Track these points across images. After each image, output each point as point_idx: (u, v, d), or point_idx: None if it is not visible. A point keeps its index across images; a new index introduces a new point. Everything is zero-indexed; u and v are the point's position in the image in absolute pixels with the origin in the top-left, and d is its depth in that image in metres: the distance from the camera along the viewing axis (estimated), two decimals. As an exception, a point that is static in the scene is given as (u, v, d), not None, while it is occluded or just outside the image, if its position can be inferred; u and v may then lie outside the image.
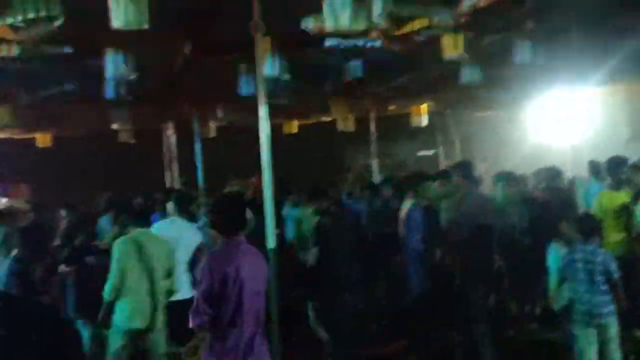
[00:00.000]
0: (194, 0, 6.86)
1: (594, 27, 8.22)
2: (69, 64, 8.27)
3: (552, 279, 6.32)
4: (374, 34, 7.52)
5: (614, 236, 7.02)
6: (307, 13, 7.07)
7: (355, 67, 9.46)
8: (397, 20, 7.08)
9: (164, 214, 7.29)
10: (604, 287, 5.59)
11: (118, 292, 5.93)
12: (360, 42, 7.92)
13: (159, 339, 6.06)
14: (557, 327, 6.79)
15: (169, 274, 6.15)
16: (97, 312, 6.25)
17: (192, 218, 7.73)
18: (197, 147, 11.78)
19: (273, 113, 6.34)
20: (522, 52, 8.31)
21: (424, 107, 14.01)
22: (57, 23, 6.35)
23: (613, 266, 5.60)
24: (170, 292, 6.15)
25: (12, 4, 6.09)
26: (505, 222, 7.18)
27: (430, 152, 16.90)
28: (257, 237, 6.43)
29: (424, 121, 14.16)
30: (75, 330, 6.73)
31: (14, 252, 6.64)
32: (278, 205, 8.04)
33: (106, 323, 6.02)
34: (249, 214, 7.49)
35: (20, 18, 6.14)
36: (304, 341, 7.17)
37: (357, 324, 6.88)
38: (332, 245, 6.75)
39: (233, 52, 8.26)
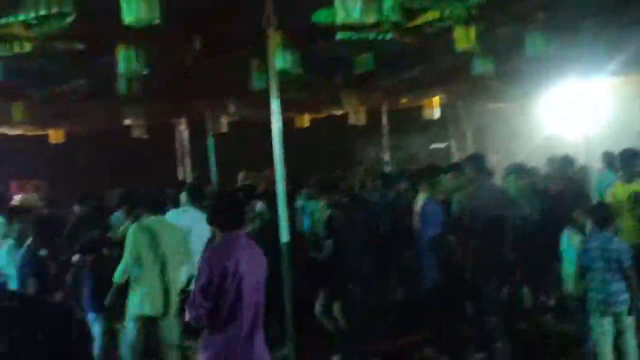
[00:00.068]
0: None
1: (607, 18, 8.16)
2: (81, 60, 8.30)
3: (567, 265, 6.32)
4: (385, 27, 7.50)
5: (627, 227, 6.97)
6: (318, 6, 7.06)
7: (366, 60, 9.43)
8: (409, 13, 7.04)
9: (177, 208, 7.32)
10: (619, 276, 5.59)
11: (132, 280, 5.99)
12: (371, 35, 7.89)
13: (173, 328, 6.09)
14: (571, 318, 6.79)
15: (183, 262, 6.19)
16: (111, 305, 6.32)
17: (204, 210, 7.76)
18: (210, 142, 11.81)
19: (285, 107, 6.35)
20: (535, 43, 8.26)
21: (436, 99, 13.95)
22: (69, 20, 6.38)
23: (626, 254, 5.60)
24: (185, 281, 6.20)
25: (24, 1, 6.12)
26: (517, 214, 7.15)
27: (442, 145, 16.85)
28: (271, 230, 6.49)
29: (436, 114, 14.11)
30: (85, 331, 6.78)
31: (28, 241, 6.71)
32: (291, 198, 8.08)
33: (114, 307, 6.08)
34: (261, 206, 7.54)
35: (32, 15, 6.17)
36: (315, 332, 7.19)
37: (369, 317, 6.87)
38: (344, 238, 6.76)
39: (245, 46, 8.25)
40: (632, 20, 8.17)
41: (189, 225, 6.55)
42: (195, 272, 4.57)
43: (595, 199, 8.83)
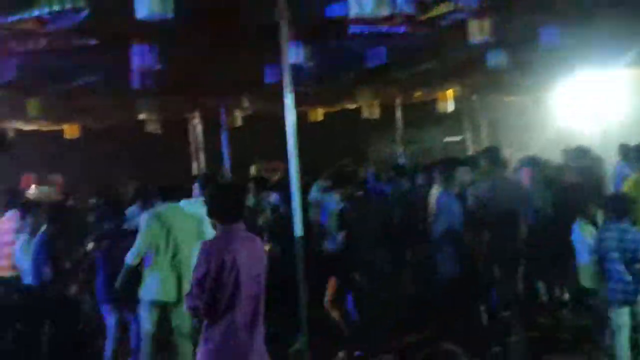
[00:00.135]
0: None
1: (623, 7, 8.06)
2: (95, 55, 8.33)
3: (578, 257, 6.29)
4: (398, 20, 7.46)
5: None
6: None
7: (379, 53, 9.40)
8: (422, 5, 7.00)
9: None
10: (638, 266, 5.56)
11: (146, 267, 6.03)
12: (384, 28, 7.85)
13: (185, 317, 6.10)
14: (587, 312, 6.75)
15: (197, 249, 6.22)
16: (125, 297, 6.35)
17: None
18: (224, 136, 11.83)
19: (298, 101, 6.33)
20: (550, 34, 8.19)
21: (450, 92, 13.88)
22: (83, 15, 6.40)
23: None
24: None
25: (38, -3, 6.15)
26: (532, 207, 7.10)
27: (456, 138, 16.77)
28: (285, 222, 6.49)
29: (450, 107, 14.04)
30: (92, 325, 6.82)
31: (43, 228, 6.75)
32: (304, 191, 8.07)
33: (127, 298, 6.11)
34: (274, 197, 7.53)
35: (46, 10, 6.20)
36: (326, 326, 7.20)
37: (381, 310, 6.85)
38: (356, 232, 6.72)
39: (258, 40, 8.24)
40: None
41: (201, 214, 6.56)
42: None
43: (612, 190, 8.78)
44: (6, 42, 7.26)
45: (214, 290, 4.20)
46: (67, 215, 7.24)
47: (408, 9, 6.85)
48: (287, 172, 6.21)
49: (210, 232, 6.15)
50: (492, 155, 7.03)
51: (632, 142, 8.84)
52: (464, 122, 14.02)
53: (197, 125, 14.12)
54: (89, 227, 8.23)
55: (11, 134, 13.31)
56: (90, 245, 7.03)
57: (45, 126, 13.58)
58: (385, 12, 6.47)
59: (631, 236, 5.61)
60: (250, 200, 8.63)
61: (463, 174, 7.30)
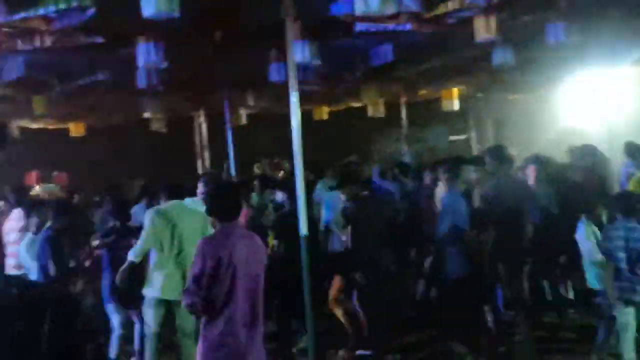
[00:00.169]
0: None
1: (630, 4, 8.04)
2: (101, 54, 8.34)
3: (584, 255, 6.28)
4: (404, 17, 7.44)
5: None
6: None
7: (385, 51, 9.38)
8: (428, 3, 6.98)
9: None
10: (639, 265, 5.54)
11: (152, 265, 6.03)
12: (390, 26, 7.83)
13: (189, 315, 6.09)
14: (592, 311, 6.74)
15: None
16: (131, 297, 6.35)
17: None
18: (229, 135, 11.83)
19: (303, 99, 6.32)
20: (555, 32, 8.16)
21: (455, 91, 13.85)
22: (89, 13, 6.41)
23: None
24: None
25: (44, -5, 6.15)
26: (537, 206, 7.08)
27: (462, 137, 16.74)
28: (290, 221, 6.49)
29: (456, 105, 14.01)
30: (92, 324, 6.80)
31: (47, 224, 6.73)
32: (310, 189, 8.06)
33: (127, 288, 6.11)
34: (280, 196, 7.51)
35: (52, 9, 6.21)
36: (331, 324, 7.21)
37: (385, 310, 6.83)
38: (360, 231, 6.69)
39: (263, 38, 8.24)
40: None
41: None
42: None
43: (618, 189, 8.75)
44: (12, 40, 7.27)
45: (210, 287, 4.23)
46: (72, 212, 7.22)
47: (414, 7, 6.84)
48: (291, 170, 6.21)
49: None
50: (498, 153, 7.00)
51: (638, 140, 8.81)
52: (469, 121, 13.99)
53: (202, 123, 14.13)
54: (94, 224, 8.26)
55: (14, 130, 13.32)
56: (95, 243, 7.04)
57: (51, 124, 13.61)
58: (391, 9, 6.45)
59: (638, 235, 5.59)
60: (254, 199, 8.64)
61: (468, 173, 7.28)
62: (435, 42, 9.18)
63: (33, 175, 13.66)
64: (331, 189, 7.92)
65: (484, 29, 7.57)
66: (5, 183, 9.69)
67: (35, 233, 6.97)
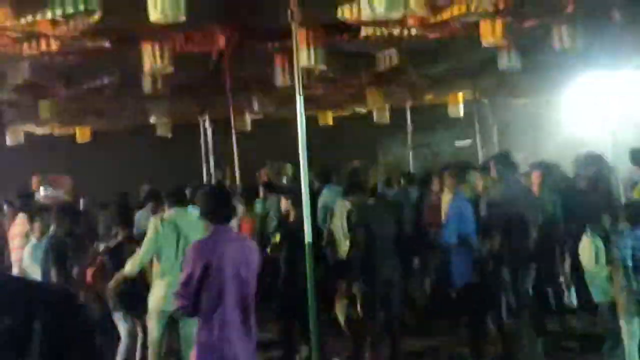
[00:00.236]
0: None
1: (635, 9, 8.02)
2: (107, 58, 8.36)
3: (588, 266, 6.25)
4: (410, 22, 7.44)
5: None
6: (344, 2, 7.02)
7: (391, 56, 9.38)
8: (434, 7, 6.98)
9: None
10: None
11: (155, 275, 5.97)
12: (396, 31, 7.83)
13: (193, 326, 6.06)
14: (595, 319, 6.72)
15: None
16: (137, 304, 6.31)
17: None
18: (234, 139, 11.82)
19: (308, 104, 6.31)
20: (561, 37, 8.15)
21: (461, 96, 13.84)
22: (95, 17, 6.42)
23: None
24: None
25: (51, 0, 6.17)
26: (543, 213, 7.05)
27: (467, 142, 16.69)
28: (295, 229, 6.46)
29: (461, 110, 13.99)
30: (88, 319, 6.73)
31: (51, 230, 6.69)
32: (316, 196, 8.02)
33: (138, 306, 6.07)
34: (285, 203, 7.48)
35: (59, 13, 6.22)
36: (335, 331, 7.19)
37: (390, 317, 6.79)
38: (365, 238, 6.63)
39: (270, 42, 8.25)
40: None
41: None
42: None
43: (623, 197, 8.70)
44: (19, 44, 7.29)
45: (200, 290, 4.26)
46: (76, 217, 7.16)
47: (420, 12, 6.82)
48: (295, 176, 6.17)
49: None
50: (504, 160, 6.98)
51: (644, 146, 8.76)
52: (475, 126, 13.94)
53: (207, 128, 14.12)
54: (99, 230, 8.23)
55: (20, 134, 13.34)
56: (100, 248, 7.00)
57: (57, 128, 13.63)
58: (397, 14, 6.44)
59: None
60: (258, 205, 8.59)
61: (474, 178, 7.24)
62: (441, 47, 9.19)
63: (38, 180, 13.67)
64: (337, 195, 7.89)
65: (489, 34, 7.57)
66: (10, 188, 9.70)
67: (39, 238, 6.93)
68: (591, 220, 6.48)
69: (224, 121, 12.55)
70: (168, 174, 12.94)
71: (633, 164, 8.65)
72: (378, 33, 7.75)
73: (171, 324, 6.06)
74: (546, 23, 8.09)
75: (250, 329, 4.43)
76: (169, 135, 13.97)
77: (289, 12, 5.72)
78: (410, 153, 14.89)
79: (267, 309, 7.72)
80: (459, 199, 6.71)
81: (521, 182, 7.65)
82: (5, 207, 9.11)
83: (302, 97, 5.97)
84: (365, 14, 6.37)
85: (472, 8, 6.92)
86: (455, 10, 7.06)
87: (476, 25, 7.59)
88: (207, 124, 13.63)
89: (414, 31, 7.82)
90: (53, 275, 6.39)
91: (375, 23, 7.22)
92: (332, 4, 7.11)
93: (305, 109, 6.03)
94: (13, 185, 10.28)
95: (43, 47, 7.20)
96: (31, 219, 7.44)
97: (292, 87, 6.17)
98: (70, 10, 6.13)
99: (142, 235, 6.36)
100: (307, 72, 9.29)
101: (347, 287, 6.92)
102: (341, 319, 7.04)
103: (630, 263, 5.53)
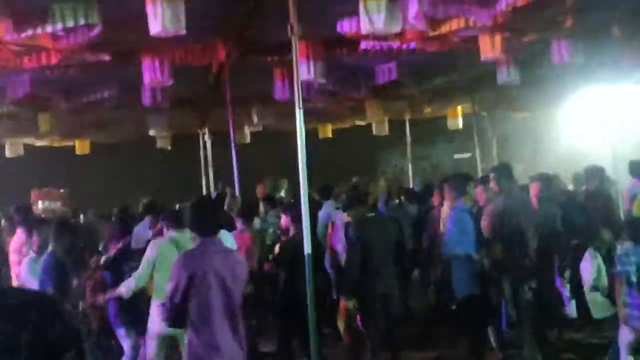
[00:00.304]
0: (230, 5, 6.89)
1: (634, 23, 8.05)
2: (107, 71, 8.37)
3: (586, 286, 6.28)
4: (409, 36, 7.46)
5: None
6: (343, 16, 7.05)
7: (390, 69, 9.40)
8: (433, 21, 7.00)
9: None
10: None
11: (154, 296, 5.93)
12: (395, 44, 7.85)
13: None
14: (595, 330, 6.72)
15: None
16: (139, 320, 6.27)
17: (229, 223, 7.72)
18: (233, 152, 11.83)
19: (308, 117, 6.31)
20: (560, 51, 8.17)
21: (460, 109, 13.87)
22: (96, 31, 6.44)
23: None
24: None
25: (51, 13, 6.18)
26: (542, 225, 7.04)
27: (466, 155, 16.72)
28: (293, 243, 6.45)
29: (460, 123, 14.02)
30: (75, 325, 6.65)
31: (49, 249, 6.63)
32: (316, 209, 8.01)
33: (141, 322, 6.03)
34: (285, 219, 7.47)
35: (59, 26, 6.24)
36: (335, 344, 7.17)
37: (389, 330, 6.77)
38: (363, 251, 6.59)
39: (269, 55, 8.27)
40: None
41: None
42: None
43: (622, 210, 8.71)
44: (19, 57, 7.31)
45: (186, 301, 4.30)
46: (75, 233, 7.09)
47: (419, 26, 6.85)
48: (291, 189, 6.15)
49: None
50: (504, 172, 6.98)
51: (643, 159, 8.77)
52: (474, 139, 13.97)
53: (206, 141, 14.14)
54: (98, 244, 8.19)
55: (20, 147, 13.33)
56: (99, 262, 6.97)
57: (56, 141, 13.63)
58: (396, 28, 6.46)
59: None
60: (258, 220, 8.56)
61: (474, 190, 7.24)
62: (440, 61, 9.21)
63: (37, 193, 13.65)
64: (336, 209, 7.88)
65: (488, 48, 7.59)
66: (10, 201, 9.67)
67: (37, 252, 6.87)
68: (591, 233, 6.49)
69: (223, 134, 12.58)
70: (167, 186, 12.98)
71: (632, 176, 8.67)
72: (377, 47, 7.78)
73: (171, 343, 6.02)
74: (545, 37, 8.11)
75: (240, 337, 4.47)
76: (169, 148, 13.98)
77: (288, 26, 5.74)
78: (410, 165, 14.91)
79: (267, 320, 7.73)
80: (459, 212, 6.71)
81: (520, 193, 7.65)
82: (3, 221, 9.08)
83: (301, 110, 5.98)
84: (365, 28, 6.39)
85: (471, 22, 6.95)
86: (454, 24, 7.08)
87: (475, 39, 7.61)
88: (206, 136, 13.66)
89: (413, 45, 7.85)
90: (51, 288, 6.33)
91: (374, 36, 7.24)
92: (331, 18, 7.14)
93: (305, 122, 6.04)
94: (12, 198, 10.26)
95: (43, 60, 7.22)
96: (29, 233, 7.39)
97: (292, 101, 6.18)
98: (70, 23, 6.15)
99: (140, 249, 6.34)
100: (307, 86, 9.33)
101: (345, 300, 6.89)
102: (341, 329, 7.03)
103: (634, 279, 5.52)
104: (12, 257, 7.61)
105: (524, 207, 6.87)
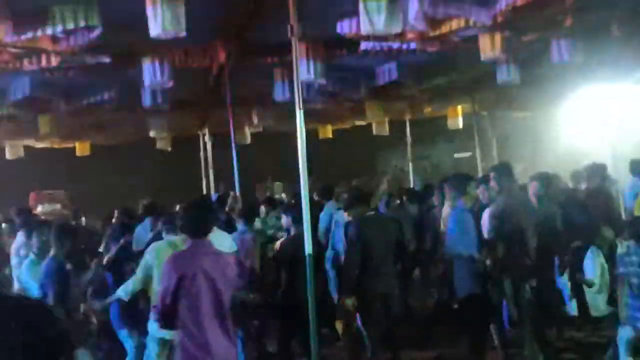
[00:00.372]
0: (230, 7, 6.89)
1: (634, 23, 8.06)
2: (107, 73, 8.37)
3: (590, 283, 6.28)
4: (409, 36, 7.46)
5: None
6: (343, 16, 7.05)
7: (390, 69, 9.41)
8: (433, 21, 7.00)
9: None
10: None
11: (154, 301, 5.92)
12: (395, 45, 7.85)
13: None
14: (595, 330, 6.72)
15: None
16: (141, 322, 6.27)
17: (229, 225, 7.73)
18: (234, 153, 11.84)
19: (308, 118, 6.31)
20: (560, 50, 8.18)
21: (460, 108, 13.88)
22: (96, 33, 6.44)
23: None
24: None
25: (52, 16, 6.19)
26: (542, 224, 7.05)
27: (467, 154, 16.74)
28: (294, 245, 6.45)
29: (460, 123, 14.03)
30: (64, 331, 6.62)
31: (51, 253, 6.62)
32: (317, 209, 8.00)
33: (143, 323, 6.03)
34: (286, 220, 7.48)
35: (60, 29, 6.24)
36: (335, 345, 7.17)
37: (390, 330, 6.77)
38: (363, 250, 6.59)
39: (269, 56, 8.27)
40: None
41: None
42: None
43: (623, 208, 8.71)
44: (19, 60, 7.31)
45: (176, 302, 4.34)
46: (76, 236, 7.06)
47: (419, 26, 6.85)
48: (282, 191, 6.13)
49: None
50: (504, 172, 6.98)
51: (642, 158, 8.77)
52: (474, 138, 13.98)
53: (207, 142, 14.15)
54: (99, 245, 8.18)
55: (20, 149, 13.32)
56: (100, 264, 6.96)
57: (56, 143, 13.63)
58: (396, 28, 6.46)
59: None
60: (257, 223, 8.55)
61: (475, 189, 7.25)
62: (440, 61, 9.21)
63: (35, 195, 13.67)
64: (337, 210, 7.88)
65: (488, 48, 7.60)
66: (10, 203, 9.68)
67: (37, 254, 6.85)
68: (592, 231, 6.48)
69: (223, 135, 12.60)
70: (168, 187, 12.99)
71: (633, 175, 8.67)
72: (377, 48, 7.78)
73: (171, 347, 6.00)
74: (545, 37, 8.11)
75: (231, 337, 4.51)
76: (169, 149, 13.99)
77: (288, 27, 5.74)
78: (410, 165, 14.93)
79: (267, 321, 7.72)
80: (459, 211, 6.70)
81: (521, 193, 7.65)
82: (3, 225, 9.07)
83: (302, 111, 5.98)
84: (365, 29, 6.39)
85: (471, 22, 6.95)
86: (454, 24, 7.09)
87: (475, 39, 7.61)
88: (206, 137, 13.68)
89: (413, 45, 7.85)
90: (51, 297, 6.28)
91: (375, 37, 7.24)
92: (332, 18, 7.14)
93: (305, 123, 6.05)
94: (13, 200, 10.26)
95: (43, 62, 7.22)
96: (29, 235, 7.37)
97: (292, 101, 6.18)
98: (70, 25, 6.16)
99: (140, 250, 6.33)
100: (307, 86, 9.33)
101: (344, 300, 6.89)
102: (339, 329, 7.03)
103: (637, 279, 5.52)
104: (13, 260, 7.61)
105: (524, 206, 6.87)
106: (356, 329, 6.93)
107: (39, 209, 12.56)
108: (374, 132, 14.19)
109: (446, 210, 7.45)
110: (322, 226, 8.06)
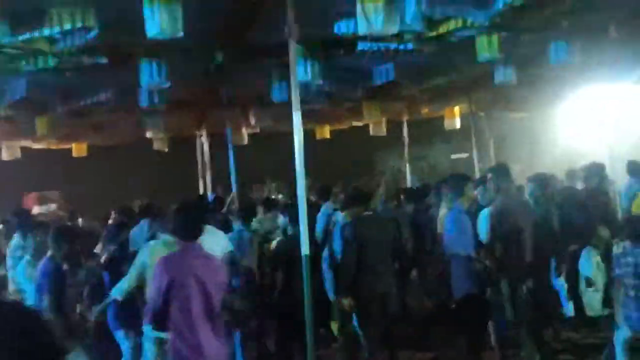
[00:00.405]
0: (227, 7, 6.88)
1: (631, 23, 8.06)
2: (104, 74, 8.35)
3: (585, 283, 6.28)
4: (406, 37, 7.47)
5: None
6: (340, 17, 7.05)
7: (387, 70, 9.40)
8: (430, 22, 7.00)
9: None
10: None
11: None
12: (392, 45, 7.85)
13: None
14: (591, 330, 6.73)
15: None
16: (137, 322, 6.25)
17: (227, 225, 7.73)
18: (231, 154, 11.83)
19: (305, 118, 6.31)
20: (558, 51, 8.19)
21: (457, 109, 13.88)
22: (93, 34, 6.43)
23: None
24: None
25: (48, 17, 6.17)
26: (539, 225, 7.05)
27: (464, 155, 16.74)
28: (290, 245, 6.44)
29: (458, 124, 14.03)
30: (50, 335, 6.59)
31: (48, 254, 6.60)
32: (315, 209, 8.00)
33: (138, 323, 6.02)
34: (283, 220, 7.49)
35: (56, 29, 6.23)
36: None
37: (386, 331, 6.76)
38: (360, 250, 6.57)
39: (266, 57, 8.26)
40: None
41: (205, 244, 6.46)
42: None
43: (620, 209, 8.72)
44: (16, 61, 7.29)
45: (167, 304, 4.37)
46: (74, 239, 7.03)
47: (416, 26, 6.85)
48: (277, 191, 6.15)
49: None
50: (501, 173, 6.99)
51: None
52: (471, 139, 13.99)
53: (204, 143, 14.13)
54: (95, 246, 8.16)
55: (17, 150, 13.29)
56: (96, 265, 6.95)
57: (53, 144, 13.61)
58: (393, 29, 6.46)
59: None
60: (254, 224, 8.55)
61: (472, 190, 7.25)
62: (437, 61, 9.21)
63: (31, 196, 13.62)
64: (335, 210, 7.88)
65: (485, 48, 7.60)
66: (7, 203, 9.66)
67: (33, 255, 6.83)
68: (589, 232, 6.48)
69: (220, 135, 12.59)
70: (165, 188, 12.97)
71: (630, 175, 8.68)
72: (374, 48, 7.77)
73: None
74: (542, 37, 8.12)
75: (222, 337, 4.56)
76: (166, 150, 13.97)
77: (286, 27, 5.74)
78: (407, 166, 14.93)
79: (264, 322, 7.72)
80: (456, 212, 6.70)
81: (518, 194, 7.66)
82: (0, 226, 9.05)
83: (299, 111, 5.98)
84: (362, 30, 6.39)
85: (469, 22, 6.95)
86: (451, 25, 7.09)
87: (472, 39, 7.62)
88: (204, 138, 13.66)
89: (410, 45, 7.84)
90: (47, 298, 6.25)
91: (372, 37, 7.24)
92: (329, 19, 7.13)
93: (303, 123, 6.05)
94: (9, 201, 10.25)
95: (40, 63, 7.21)
96: (25, 236, 7.35)
97: (289, 102, 6.18)
98: (67, 27, 6.14)
99: (137, 250, 6.32)
100: (305, 87, 9.33)
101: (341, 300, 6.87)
102: (335, 329, 7.02)
103: (632, 280, 5.52)
104: (8, 262, 7.59)
105: (522, 207, 6.89)
106: (352, 329, 6.93)
107: (36, 209, 12.51)
108: (371, 132, 14.18)
109: (442, 210, 7.46)
110: (319, 226, 8.06)
